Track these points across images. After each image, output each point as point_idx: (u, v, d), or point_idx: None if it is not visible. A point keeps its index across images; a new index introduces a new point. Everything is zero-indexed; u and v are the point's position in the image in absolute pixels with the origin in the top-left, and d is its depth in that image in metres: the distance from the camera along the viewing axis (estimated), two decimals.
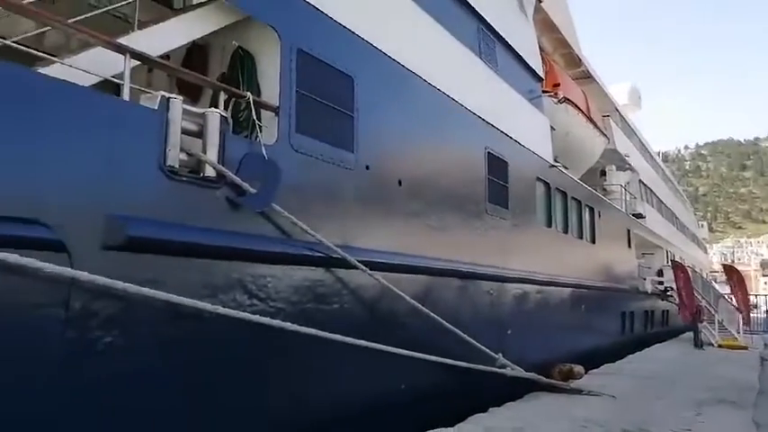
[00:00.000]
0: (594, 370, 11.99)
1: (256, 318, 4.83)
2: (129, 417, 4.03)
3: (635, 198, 22.18)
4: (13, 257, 3.27)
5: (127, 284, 3.87)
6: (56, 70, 4.13)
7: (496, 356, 8.06)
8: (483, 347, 7.67)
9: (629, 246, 19.32)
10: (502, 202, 9.77)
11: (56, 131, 3.76)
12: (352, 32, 6.60)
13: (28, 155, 3.60)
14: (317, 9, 6.09)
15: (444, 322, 6.99)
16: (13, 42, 4.11)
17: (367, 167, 6.54)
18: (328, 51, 6.16)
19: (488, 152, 9.49)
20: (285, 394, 5.32)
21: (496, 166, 9.68)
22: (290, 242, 5.38)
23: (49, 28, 4.49)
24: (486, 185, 9.32)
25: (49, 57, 4.28)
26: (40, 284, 3.46)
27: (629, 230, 19.38)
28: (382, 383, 6.38)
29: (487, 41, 10.27)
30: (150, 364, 4.16)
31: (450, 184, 8.32)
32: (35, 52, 4.21)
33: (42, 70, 4.05)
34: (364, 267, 5.90)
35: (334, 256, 5.67)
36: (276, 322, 4.97)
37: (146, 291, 3.99)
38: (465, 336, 7.31)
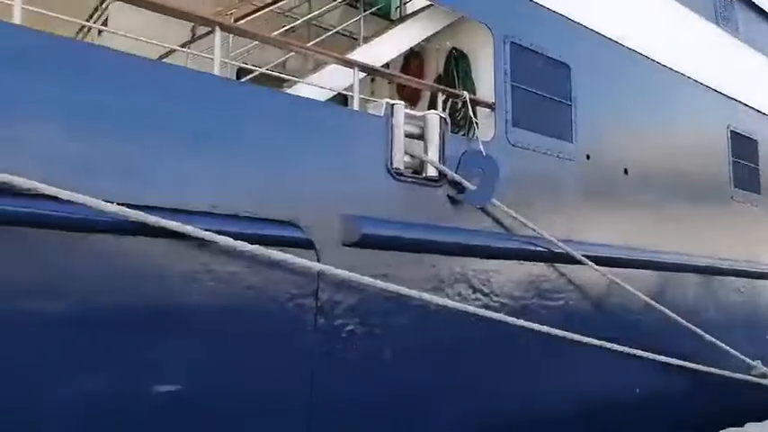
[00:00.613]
0: None
1: (482, 311, 4.90)
2: (365, 398, 4.39)
3: None
4: (276, 254, 3.81)
5: (363, 277, 4.23)
6: (298, 89, 4.72)
7: (753, 363, 7.06)
8: (735, 352, 6.78)
9: None
10: (752, 186, 8.52)
11: (305, 144, 4.27)
12: (566, 18, 6.33)
13: (285, 166, 4.15)
14: None
15: (684, 322, 6.33)
16: (267, 70, 4.80)
17: (588, 157, 6.23)
18: (542, 41, 6.00)
19: (731, 131, 8.35)
20: (510, 390, 5.31)
21: (743, 145, 8.48)
22: (511, 237, 5.36)
23: (292, 54, 5.14)
24: (731, 168, 8.23)
25: (292, 78, 4.91)
26: (297, 277, 3.97)
27: None
28: (614, 385, 6.00)
29: (724, 4, 9.04)
30: (384, 351, 4.47)
31: (685, 170, 7.51)
32: (282, 76, 4.86)
33: (288, 91, 4.65)
34: (590, 262, 5.63)
35: (556, 250, 5.50)
36: (502, 317, 4.99)
37: (379, 283, 4.31)
38: (711, 338, 6.53)
